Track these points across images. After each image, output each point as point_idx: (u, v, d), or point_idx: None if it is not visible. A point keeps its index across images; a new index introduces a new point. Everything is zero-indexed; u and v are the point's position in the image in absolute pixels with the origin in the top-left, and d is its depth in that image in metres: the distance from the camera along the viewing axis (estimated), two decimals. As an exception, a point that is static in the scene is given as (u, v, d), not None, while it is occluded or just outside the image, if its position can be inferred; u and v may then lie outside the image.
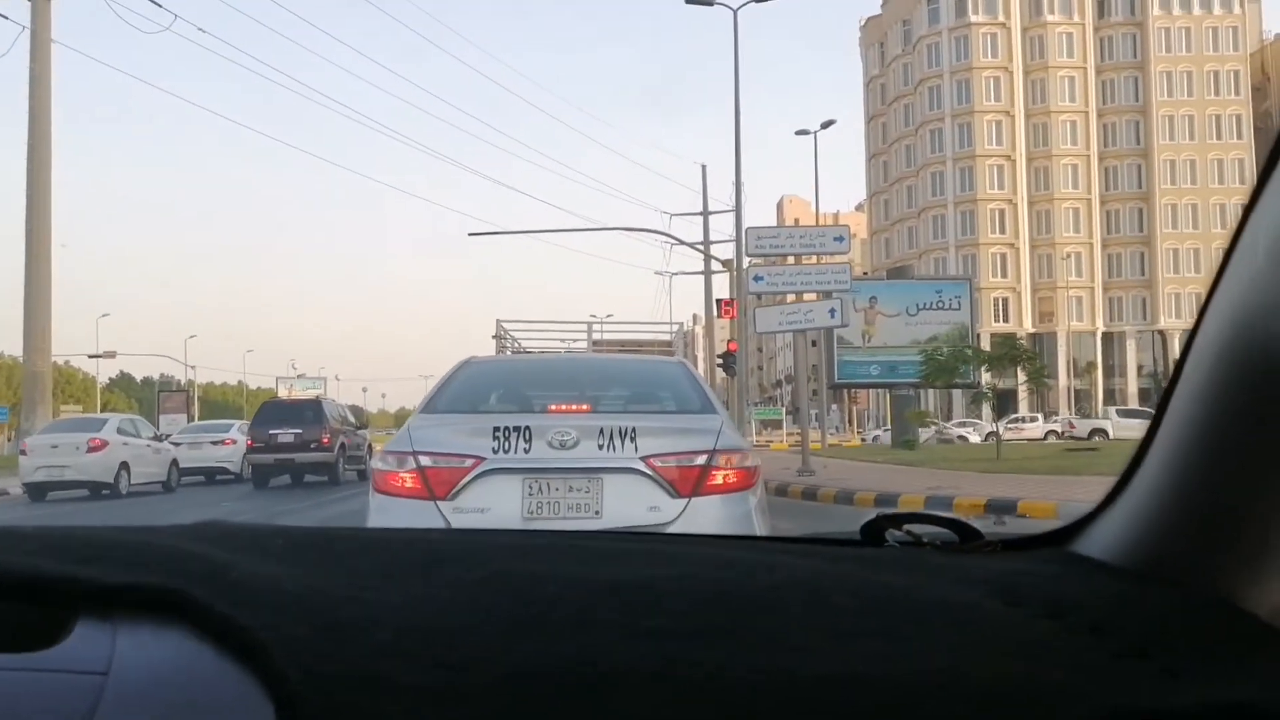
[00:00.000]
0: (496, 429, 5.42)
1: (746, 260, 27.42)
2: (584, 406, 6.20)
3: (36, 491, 22.13)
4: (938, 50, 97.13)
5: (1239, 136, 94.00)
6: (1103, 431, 52.44)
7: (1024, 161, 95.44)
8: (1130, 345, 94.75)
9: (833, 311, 20.06)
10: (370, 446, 27.64)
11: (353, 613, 0.86)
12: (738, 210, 29.52)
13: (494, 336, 28.76)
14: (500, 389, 6.94)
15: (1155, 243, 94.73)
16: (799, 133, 52.88)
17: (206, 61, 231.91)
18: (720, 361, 32.33)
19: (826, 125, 51.49)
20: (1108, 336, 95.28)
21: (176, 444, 26.74)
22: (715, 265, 40.30)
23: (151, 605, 0.86)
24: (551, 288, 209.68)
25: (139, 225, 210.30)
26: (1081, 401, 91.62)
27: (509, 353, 26.58)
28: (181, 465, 25.82)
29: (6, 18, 25.98)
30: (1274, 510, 0.95)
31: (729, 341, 31.74)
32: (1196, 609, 0.99)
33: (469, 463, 5.35)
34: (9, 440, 54.87)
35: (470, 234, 50.82)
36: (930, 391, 57.49)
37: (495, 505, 5.29)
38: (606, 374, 7.83)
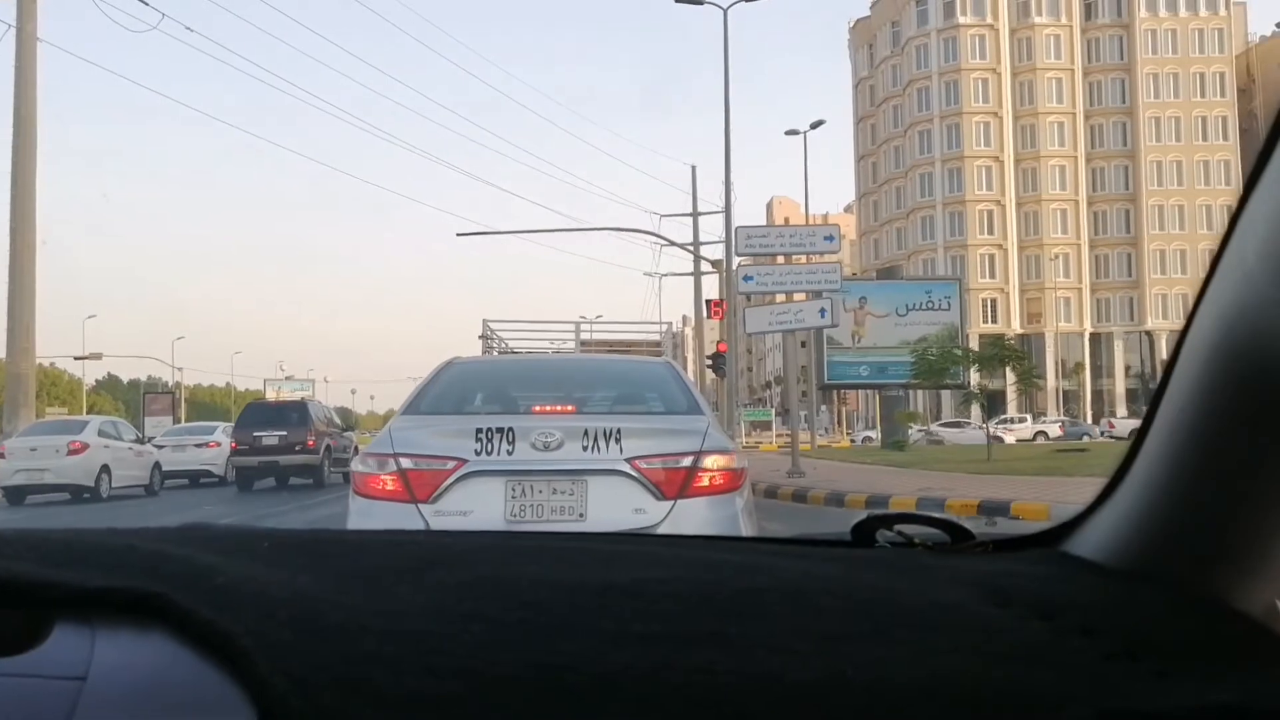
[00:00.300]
0: (479, 430, 5.33)
1: (736, 261, 27.33)
2: (569, 407, 6.11)
3: (15, 495, 21.84)
4: (926, 52, 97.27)
5: (1225, 138, 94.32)
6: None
7: (1012, 163, 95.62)
8: (1118, 346, 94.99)
9: (823, 311, 19.90)
10: (356, 448, 27.39)
11: (338, 617, 0.86)
12: (727, 210, 29.37)
13: (480, 337, 28.52)
14: (484, 390, 6.84)
15: (1142, 244, 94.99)
16: (789, 133, 52.73)
17: (194, 61, 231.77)
18: (710, 362, 32.18)
19: (816, 125, 51.36)
20: (1095, 337, 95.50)
21: (160, 446, 26.49)
22: (705, 266, 40.19)
23: (132, 609, 0.85)
24: (541, 289, 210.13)
25: (126, 226, 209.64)
26: (1069, 402, 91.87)
27: (495, 353, 26.33)
28: (165, 468, 25.55)
29: (-10, 15, 25.78)
30: (1265, 511, 0.96)
31: (719, 342, 31.59)
32: (1188, 609, 1.00)
33: (451, 465, 5.25)
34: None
35: (459, 234, 50.49)
36: (919, 392, 57.47)
37: (477, 508, 5.19)
38: (592, 375, 7.73)
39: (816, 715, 0.79)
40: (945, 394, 74.97)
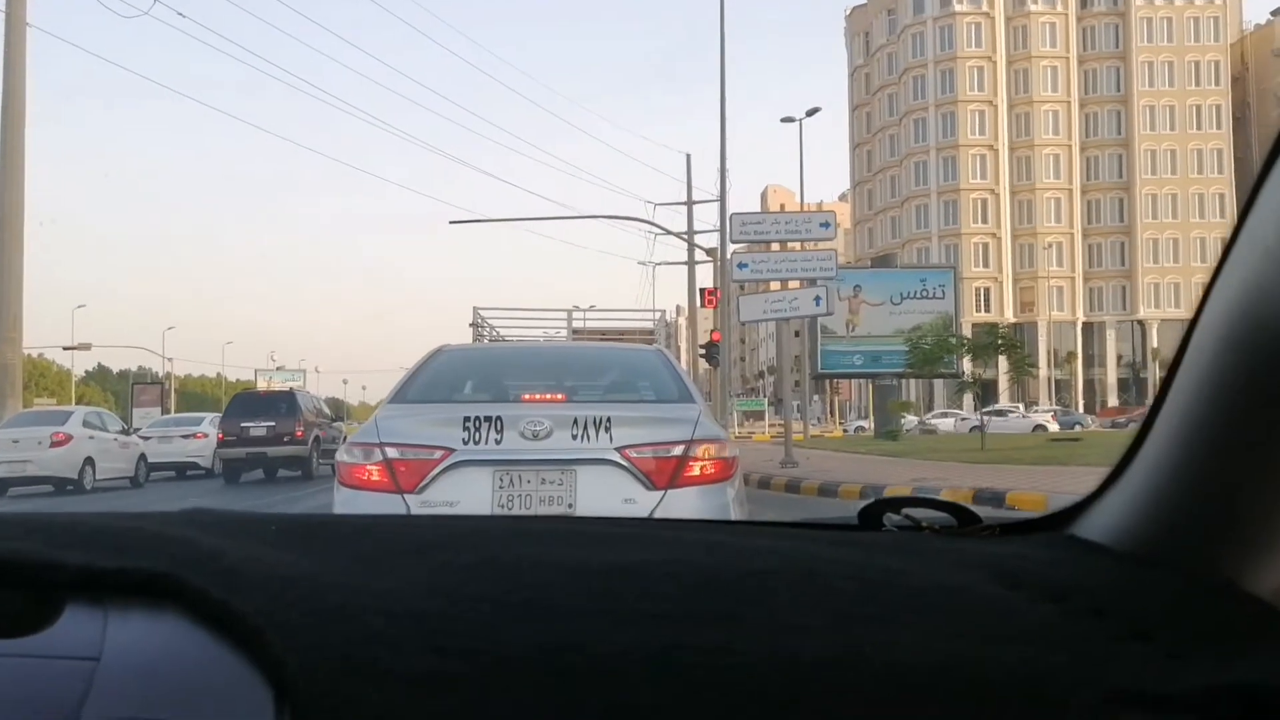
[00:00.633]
0: (467, 419, 5.23)
1: (730, 249, 27.12)
2: (559, 396, 6.06)
3: None
4: (922, 40, 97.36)
5: (1219, 127, 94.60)
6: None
7: (1006, 151, 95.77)
8: (1110, 335, 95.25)
9: (818, 299, 19.70)
10: (346, 439, 27.10)
11: (345, 598, 0.86)
12: (722, 197, 29.15)
13: (471, 324, 28.24)
14: (473, 378, 6.71)
15: (1136, 233, 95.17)
16: (784, 120, 52.56)
17: (186, 46, 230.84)
18: (703, 352, 31.94)
19: (812, 113, 51.09)
20: (1088, 326, 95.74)
21: (146, 438, 26.14)
22: (699, 255, 39.97)
23: (142, 590, 0.86)
24: (534, 278, 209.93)
25: (116, 215, 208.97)
26: (1061, 391, 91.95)
27: (486, 340, 26.03)
28: (151, 460, 25.15)
29: (-22, 1, 25.44)
30: (1275, 493, 0.96)
31: (712, 331, 31.32)
32: (1198, 592, 1.00)
33: (438, 454, 5.15)
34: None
35: (451, 222, 50.10)
36: (912, 382, 57.36)
37: (465, 498, 5.11)
38: (583, 362, 7.60)
39: (830, 694, 0.79)
40: (938, 384, 75.01)
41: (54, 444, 21.39)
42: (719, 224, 30.33)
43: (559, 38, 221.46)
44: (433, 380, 6.23)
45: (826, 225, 20.30)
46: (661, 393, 6.14)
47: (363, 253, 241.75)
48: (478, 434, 5.18)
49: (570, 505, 5.12)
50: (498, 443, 5.17)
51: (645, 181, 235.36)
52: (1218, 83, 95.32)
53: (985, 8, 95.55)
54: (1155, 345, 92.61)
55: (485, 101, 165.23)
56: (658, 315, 34.49)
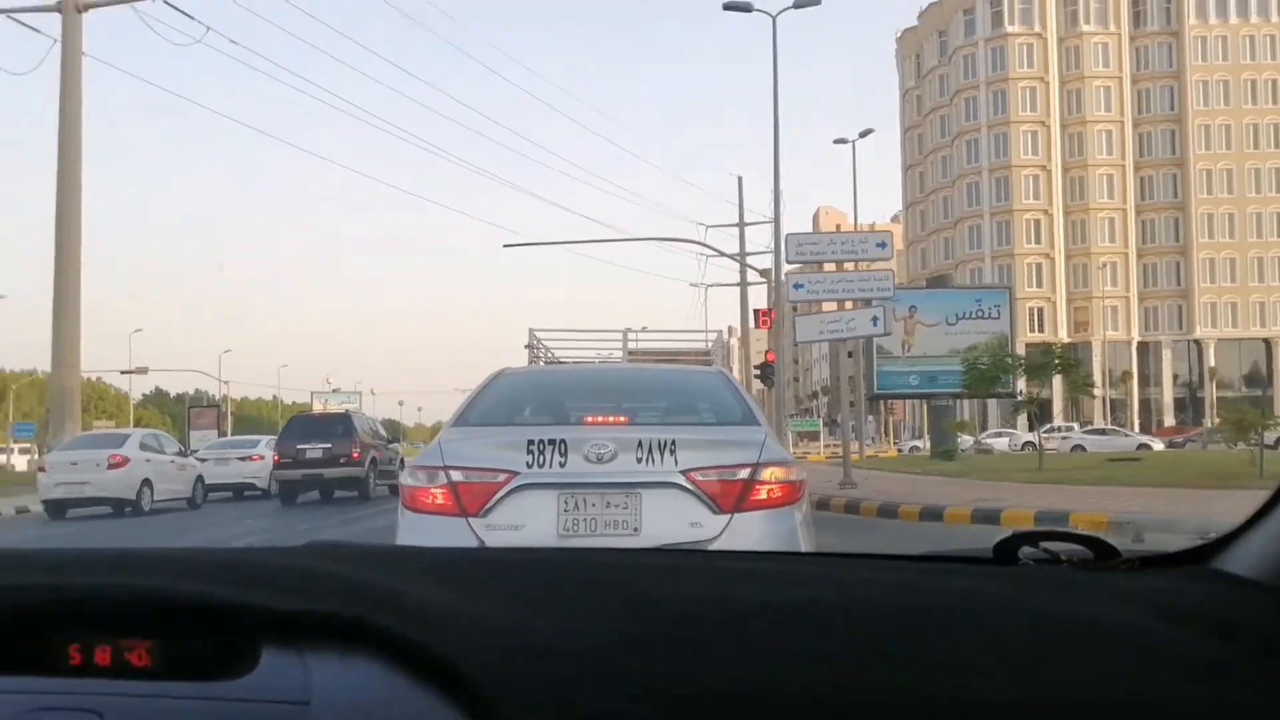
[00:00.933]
0: (530, 442, 5.20)
1: (785, 270, 26.98)
2: (621, 418, 6.00)
3: (56, 509, 21.71)
4: (974, 61, 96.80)
5: (1276, 145, 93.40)
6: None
7: (1059, 172, 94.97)
8: (1166, 355, 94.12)
9: (875, 320, 19.51)
10: (402, 461, 27.09)
11: (530, 639, 0.87)
12: (776, 218, 28.97)
13: (526, 346, 28.24)
14: (534, 400, 6.69)
15: (1191, 252, 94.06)
16: (837, 141, 52.43)
17: (240, 75, 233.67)
18: (758, 373, 31.81)
19: (865, 134, 50.98)
20: (1143, 346, 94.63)
21: (203, 460, 26.35)
22: (752, 276, 39.84)
23: (333, 632, 0.87)
24: (586, 301, 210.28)
25: (173, 241, 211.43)
26: (1116, 411, 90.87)
27: (541, 362, 26.02)
28: (208, 481, 25.37)
29: (37, 31, 25.88)
30: None
31: (766, 352, 31.21)
32: None
33: (501, 477, 5.12)
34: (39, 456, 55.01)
35: (505, 245, 50.18)
36: (966, 401, 56.96)
37: (529, 522, 5.07)
38: (644, 384, 7.52)
39: None
40: (992, 403, 74.32)
41: (112, 466, 21.57)
42: (773, 245, 30.19)
43: (613, 64, 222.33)
44: (495, 403, 6.20)
45: (883, 245, 20.13)
46: (725, 415, 6.05)
47: (418, 276, 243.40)
48: (541, 457, 5.14)
49: (635, 529, 5.04)
50: (562, 465, 5.13)
51: (697, 204, 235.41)
52: (1275, 101, 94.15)
53: (1037, 29, 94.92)
54: (1212, 365, 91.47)
55: (541, 128, 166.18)
56: (714, 336, 34.31)
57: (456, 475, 5.15)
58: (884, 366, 42.67)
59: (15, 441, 70.64)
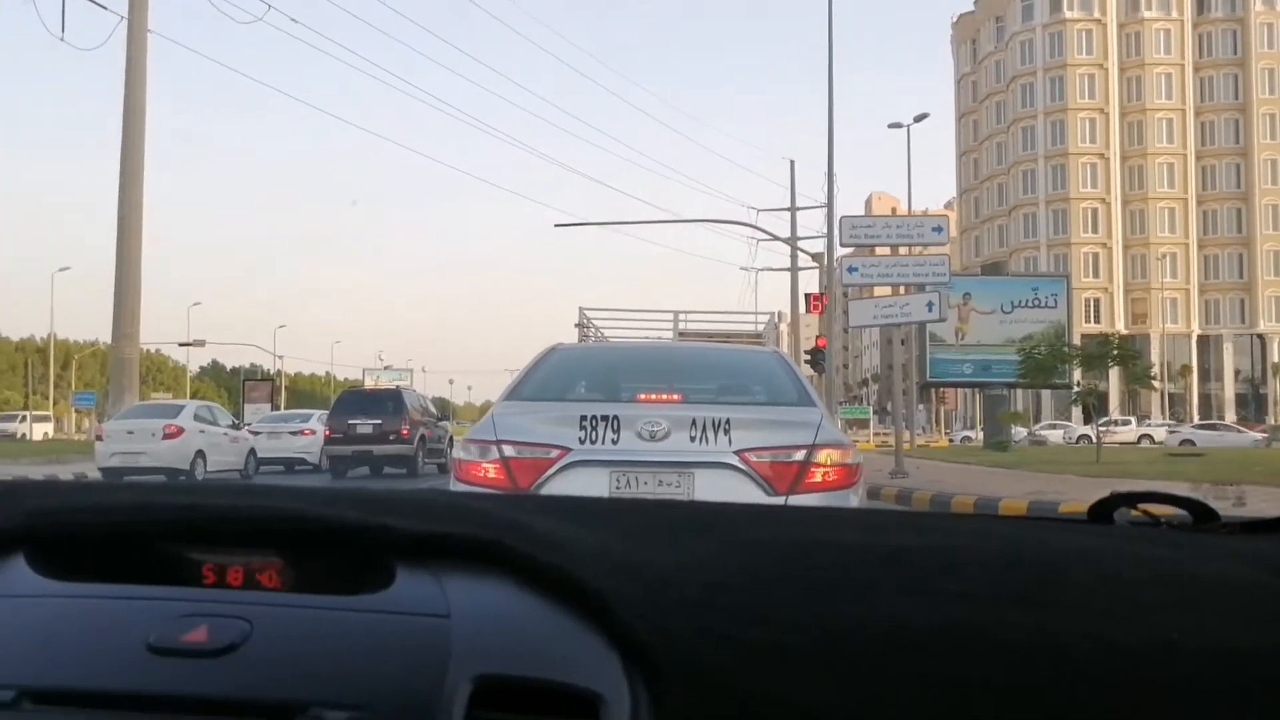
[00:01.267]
0: (583, 418, 5.18)
1: (837, 254, 26.73)
2: (674, 396, 5.94)
3: (112, 476, 21.91)
4: (1031, 47, 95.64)
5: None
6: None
7: (1118, 160, 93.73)
8: (1227, 349, 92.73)
9: (930, 305, 19.24)
10: (451, 439, 27.10)
11: (657, 569, 0.87)
12: (830, 202, 28.62)
13: (577, 325, 28.17)
14: (587, 376, 6.67)
15: (1255, 244, 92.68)
16: (892, 125, 52.35)
17: (299, 52, 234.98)
18: (808, 358, 31.58)
19: (920, 118, 50.68)
20: (1203, 339, 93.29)
21: (255, 433, 26.52)
22: (803, 260, 39.57)
23: (468, 554, 0.89)
24: (636, 282, 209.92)
25: (232, 215, 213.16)
26: (1174, 405, 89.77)
27: (592, 341, 25.97)
28: (260, 455, 25.53)
29: (105, 8, 26.05)
30: None
31: (818, 337, 30.97)
32: None
33: (554, 453, 5.11)
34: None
35: (556, 225, 50.30)
36: (1019, 392, 56.43)
37: None
38: (698, 362, 7.46)
39: (1151, 680, 0.79)
40: (1045, 395, 73.58)
41: (166, 436, 21.80)
42: (826, 228, 29.87)
43: (666, 47, 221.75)
44: (547, 378, 6.17)
45: (939, 230, 19.85)
46: (780, 396, 6.00)
47: (470, 255, 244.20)
48: (594, 433, 5.11)
49: None
50: (614, 443, 5.10)
51: (748, 187, 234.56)
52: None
53: (1097, 14, 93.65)
54: (1276, 360, 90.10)
55: (593, 110, 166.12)
56: (766, 318, 34.05)
57: (509, 450, 5.14)
58: (937, 354, 42.33)
59: (77, 410, 71.68)
